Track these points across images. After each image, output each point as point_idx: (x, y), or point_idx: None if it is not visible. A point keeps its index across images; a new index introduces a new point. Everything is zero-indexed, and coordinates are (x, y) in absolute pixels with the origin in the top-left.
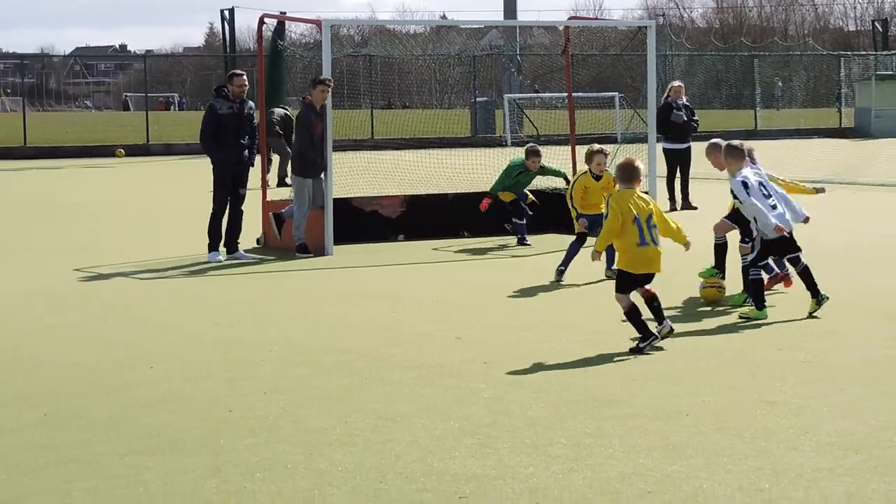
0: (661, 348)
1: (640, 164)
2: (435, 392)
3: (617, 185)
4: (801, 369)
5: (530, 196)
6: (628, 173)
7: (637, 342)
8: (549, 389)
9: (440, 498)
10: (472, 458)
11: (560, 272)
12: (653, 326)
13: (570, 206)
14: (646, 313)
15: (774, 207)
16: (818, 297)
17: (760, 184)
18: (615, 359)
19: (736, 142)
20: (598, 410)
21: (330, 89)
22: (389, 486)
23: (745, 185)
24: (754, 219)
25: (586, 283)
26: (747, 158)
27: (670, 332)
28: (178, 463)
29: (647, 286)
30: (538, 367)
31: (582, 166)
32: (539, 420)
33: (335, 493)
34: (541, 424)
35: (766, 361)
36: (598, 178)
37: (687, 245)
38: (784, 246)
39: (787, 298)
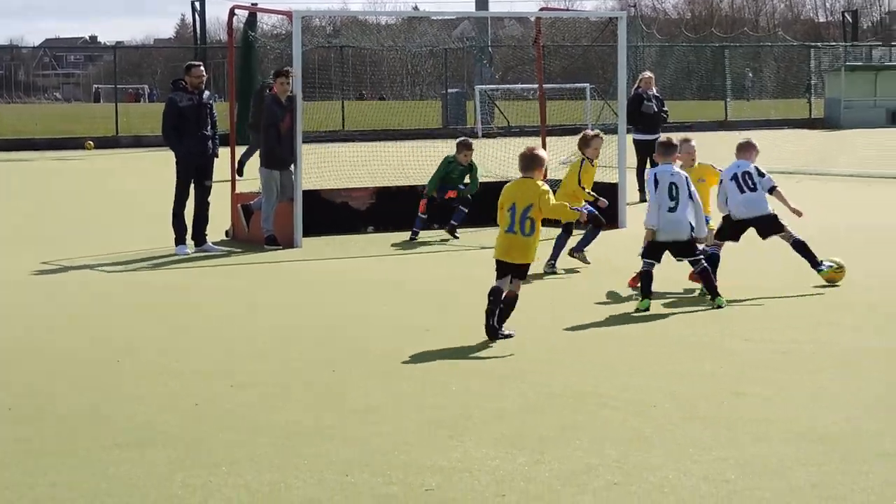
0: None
1: (542, 154)
2: (403, 384)
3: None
4: (768, 360)
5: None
6: (525, 162)
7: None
8: (517, 381)
9: (406, 490)
10: (439, 450)
11: (551, 265)
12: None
13: (583, 194)
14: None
15: (671, 210)
16: (715, 298)
17: (673, 185)
18: (584, 350)
19: (670, 138)
20: (566, 401)
21: (290, 80)
22: (355, 479)
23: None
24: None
25: (551, 274)
26: (676, 155)
27: (505, 337)
28: (145, 456)
29: (515, 288)
30: (507, 359)
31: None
32: (506, 412)
33: (300, 487)
34: (508, 416)
35: (734, 352)
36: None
37: (580, 217)
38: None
39: (757, 290)
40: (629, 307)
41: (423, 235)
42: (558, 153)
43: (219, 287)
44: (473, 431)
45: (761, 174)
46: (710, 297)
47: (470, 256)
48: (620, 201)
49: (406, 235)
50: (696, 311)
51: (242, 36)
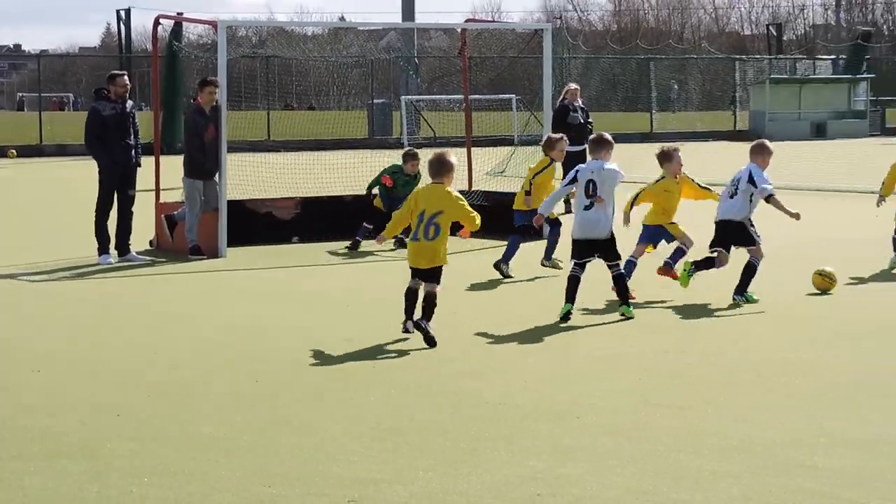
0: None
1: (452, 160)
2: (325, 395)
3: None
4: (689, 372)
5: None
6: (435, 168)
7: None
8: (440, 392)
9: (328, 502)
10: (361, 461)
11: (502, 269)
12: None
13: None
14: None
15: (586, 208)
16: (626, 306)
17: (591, 182)
18: (507, 361)
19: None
20: (490, 413)
21: (217, 90)
22: (277, 491)
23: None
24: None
25: (475, 284)
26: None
27: (426, 335)
28: (61, 467)
29: (430, 288)
30: (430, 370)
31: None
32: (430, 423)
33: (224, 498)
34: (432, 428)
35: (655, 364)
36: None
37: (475, 228)
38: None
39: (674, 301)
40: (552, 317)
41: (366, 244)
42: (484, 164)
43: (141, 297)
44: (397, 442)
45: (753, 181)
46: (621, 304)
47: (397, 267)
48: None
49: (332, 245)
50: (619, 322)
51: (167, 45)
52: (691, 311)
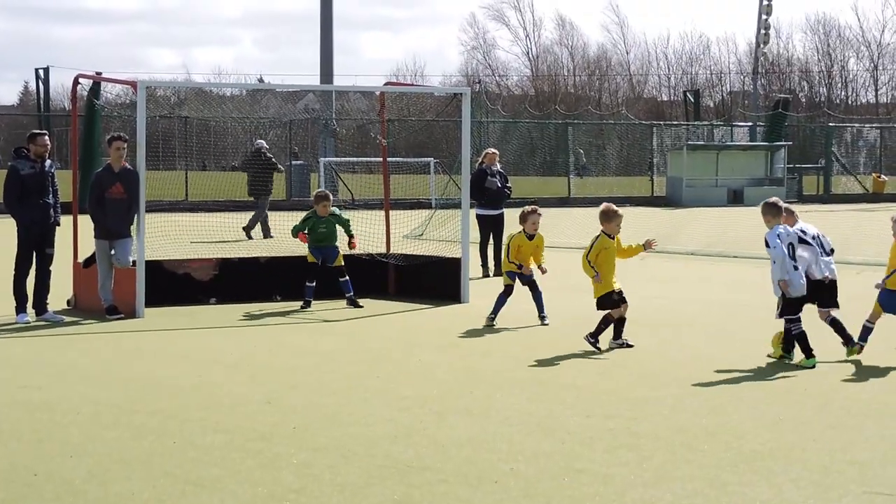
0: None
1: None
2: (244, 456)
3: None
4: (609, 437)
5: (340, 259)
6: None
7: None
8: (358, 455)
9: None
10: None
11: (490, 318)
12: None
13: (506, 260)
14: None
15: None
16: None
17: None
18: (424, 424)
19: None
20: (407, 477)
21: (125, 144)
22: None
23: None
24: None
25: (387, 348)
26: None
27: None
28: None
29: None
30: (348, 432)
31: (516, 227)
32: (347, 486)
33: None
34: (349, 490)
35: (576, 428)
36: (531, 237)
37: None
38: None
39: (599, 366)
40: (466, 382)
41: (283, 306)
42: (401, 227)
43: (57, 356)
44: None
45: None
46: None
47: (311, 329)
48: (463, 277)
49: (249, 308)
50: (538, 386)
51: (87, 104)
52: (613, 377)
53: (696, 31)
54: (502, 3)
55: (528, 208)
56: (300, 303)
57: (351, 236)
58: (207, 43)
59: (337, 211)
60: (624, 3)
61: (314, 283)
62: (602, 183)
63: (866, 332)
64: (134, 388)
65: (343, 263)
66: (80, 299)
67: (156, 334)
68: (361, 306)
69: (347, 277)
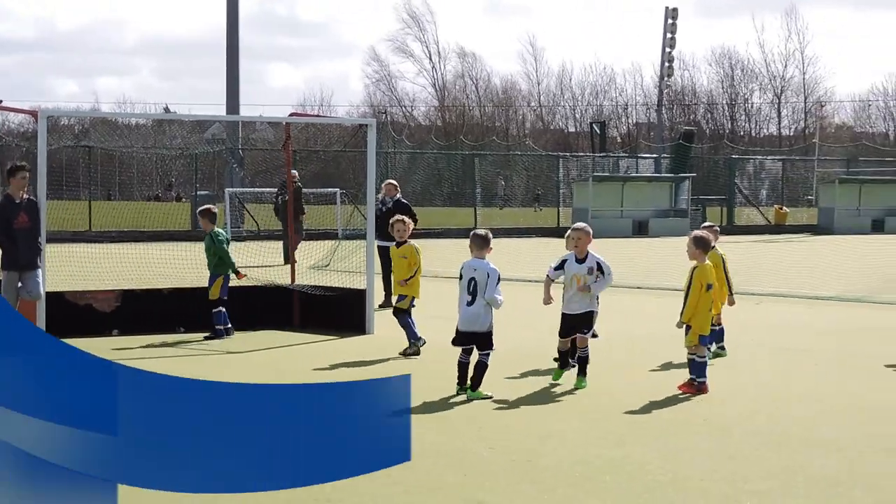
0: None
1: None
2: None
3: None
4: (512, 469)
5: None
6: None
7: None
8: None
9: None
10: None
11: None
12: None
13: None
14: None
15: (469, 304)
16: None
17: (473, 280)
18: None
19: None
20: None
21: (28, 174)
22: None
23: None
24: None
25: (288, 379)
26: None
27: None
28: None
29: None
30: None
31: None
32: None
33: None
34: None
35: (479, 461)
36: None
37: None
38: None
39: (500, 400)
40: None
41: (186, 338)
42: (308, 257)
43: None
44: None
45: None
46: (469, 387)
47: (213, 361)
48: (368, 307)
49: (153, 339)
50: (448, 415)
51: None
52: (515, 409)
53: (601, 63)
54: (406, 34)
55: (395, 217)
56: (204, 334)
57: (232, 266)
58: (108, 72)
59: (222, 234)
60: (534, 34)
61: (223, 309)
62: (509, 213)
63: (700, 365)
64: None
65: (217, 296)
66: None
67: None
68: (225, 338)
69: (220, 309)
